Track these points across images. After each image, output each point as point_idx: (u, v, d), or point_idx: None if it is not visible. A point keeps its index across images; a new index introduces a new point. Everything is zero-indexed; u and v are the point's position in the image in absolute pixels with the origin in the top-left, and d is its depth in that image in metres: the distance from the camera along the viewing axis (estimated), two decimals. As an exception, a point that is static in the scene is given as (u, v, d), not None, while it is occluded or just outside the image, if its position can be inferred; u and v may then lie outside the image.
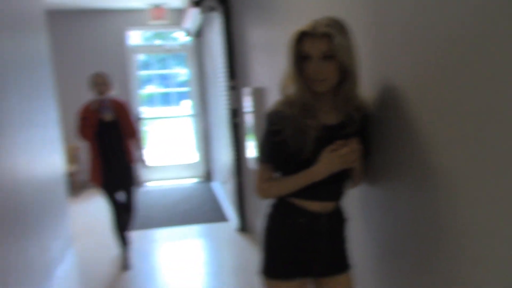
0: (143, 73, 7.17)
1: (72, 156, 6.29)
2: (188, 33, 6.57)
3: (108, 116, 3.50)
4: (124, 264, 3.69)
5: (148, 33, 7.32)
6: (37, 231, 3.17)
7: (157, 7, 6.14)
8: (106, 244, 4.12)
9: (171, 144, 8.70)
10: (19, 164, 2.91)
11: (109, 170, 3.56)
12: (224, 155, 5.18)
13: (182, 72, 7.77)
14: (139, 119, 3.74)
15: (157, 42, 7.85)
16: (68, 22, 6.48)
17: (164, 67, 8.92)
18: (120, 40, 6.73)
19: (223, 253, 4.08)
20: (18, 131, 2.92)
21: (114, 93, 3.62)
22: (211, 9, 4.45)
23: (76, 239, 4.38)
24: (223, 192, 5.58)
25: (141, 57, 7.10)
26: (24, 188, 2.98)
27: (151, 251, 4.12)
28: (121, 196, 3.72)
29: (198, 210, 5.35)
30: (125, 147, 3.61)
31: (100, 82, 3.49)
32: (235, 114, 4.20)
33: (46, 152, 3.70)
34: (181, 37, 7.40)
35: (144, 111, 6.92)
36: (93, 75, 3.55)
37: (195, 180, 7.09)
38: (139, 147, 3.74)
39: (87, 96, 3.67)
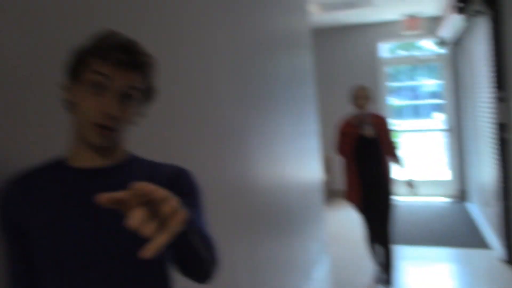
0: (392, 84, 7.11)
1: (327, 166, 6.69)
2: (442, 42, 6.20)
3: (368, 131, 3.29)
4: (380, 279, 3.63)
5: (395, 44, 7.23)
6: (299, 232, 3.46)
7: (411, 17, 6.01)
8: (358, 254, 4.21)
9: (422, 159, 8.32)
10: (287, 171, 3.23)
11: (366, 188, 3.39)
12: (485, 174, 4.67)
13: (432, 83, 7.36)
14: (392, 131, 3.54)
15: (403, 52, 7.68)
16: (325, 39, 6.95)
17: (412, 79, 8.65)
18: (371, 52, 6.85)
19: (484, 285, 3.65)
20: (286, 140, 3.24)
21: (373, 107, 3.57)
22: (476, 14, 4.09)
23: (330, 244, 4.62)
24: (483, 216, 5.03)
25: (390, 68, 7.07)
26: (291, 192, 3.30)
27: (399, 268, 4.01)
28: (377, 214, 3.47)
29: (450, 232, 4.95)
30: (383, 165, 3.39)
31: (361, 96, 3.32)
32: (503, 128, 3.73)
33: (308, 161, 4.01)
34: (429, 46, 7.04)
35: (396, 123, 6.84)
36: (354, 88, 3.40)
37: (447, 199, 6.60)
38: (397, 164, 3.48)
39: (342, 108, 3.81)
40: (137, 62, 0.95)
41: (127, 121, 0.97)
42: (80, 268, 0.93)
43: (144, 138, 1.55)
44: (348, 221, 5.38)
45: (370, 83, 6.54)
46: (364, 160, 3.37)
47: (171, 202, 0.67)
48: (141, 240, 0.96)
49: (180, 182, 1.04)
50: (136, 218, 0.64)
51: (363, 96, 3.32)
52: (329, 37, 6.94)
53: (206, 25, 2.07)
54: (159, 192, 0.66)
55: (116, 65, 0.93)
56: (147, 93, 1.02)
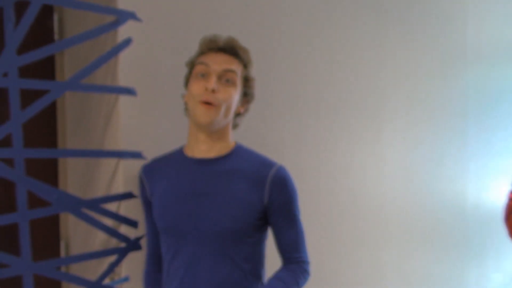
0: None
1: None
2: None
3: None
4: None
5: None
6: (476, 260, 3.23)
7: None
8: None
9: None
10: (469, 192, 3.05)
11: None
12: None
13: None
14: None
15: None
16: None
17: None
18: None
19: None
20: (470, 160, 3.04)
21: None
22: None
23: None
24: None
25: None
26: (471, 216, 3.08)
27: None
28: None
29: None
30: None
31: None
32: None
33: (498, 183, 3.42)
34: None
35: None
36: None
37: None
38: None
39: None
40: (229, 48, 1.18)
41: (227, 101, 1.15)
42: (178, 234, 1.18)
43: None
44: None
45: None
46: None
47: None
48: (230, 227, 1.15)
49: (283, 188, 1.20)
50: None
51: None
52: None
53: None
54: None
55: (212, 52, 1.17)
56: (245, 82, 1.22)
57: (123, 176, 1.38)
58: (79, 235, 1.64)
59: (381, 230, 2.27)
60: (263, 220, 1.21)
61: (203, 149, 1.19)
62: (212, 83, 1.11)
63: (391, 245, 2.33)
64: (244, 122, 1.33)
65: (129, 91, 1.31)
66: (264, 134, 1.72)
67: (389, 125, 2.28)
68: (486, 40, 3.15)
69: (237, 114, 1.23)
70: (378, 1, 2.17)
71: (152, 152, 1.42)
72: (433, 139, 2.61)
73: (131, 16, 1.31)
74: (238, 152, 1.23)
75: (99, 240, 1.52)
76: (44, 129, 1.65)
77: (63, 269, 1.69)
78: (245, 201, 1.16)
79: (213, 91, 1.11)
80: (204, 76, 1.14)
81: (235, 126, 1.25)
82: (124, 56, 1.37)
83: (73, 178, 1.66)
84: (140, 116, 1.41)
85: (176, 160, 1.24)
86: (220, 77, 1.14)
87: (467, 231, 3.05)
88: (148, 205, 1.28)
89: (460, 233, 2.95)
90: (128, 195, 1.35)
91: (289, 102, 1.83)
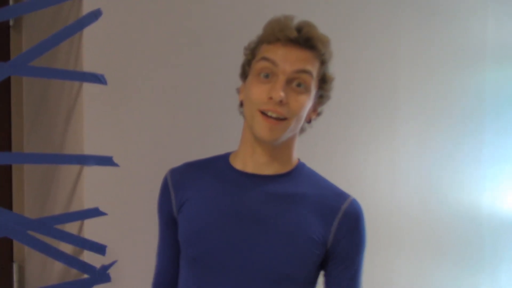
0: None
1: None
2: None
3: None
4: None
5: None
6: (490, 270, 3.17)
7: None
8: None
9: None
10: (484, 200, 2.98)
11: None
12: None
13: None
14: None
15: None
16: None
17: None
18: None
19: None
20: (486, 166, 2.98)
21: None
22: None
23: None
24: None
25: None
26: (485, 225, 3.03)
27: None
28: None
29: None
30: None
31: None
32: None
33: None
34: None
35: None
36: None
37: None
38: None
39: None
40: (305, 39, 0.86)
41: (298, 113, 0.87)
42: (212, 268, 0.88)
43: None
44: None
45: None
46: None
47: None
48: (283, 269, 0.87)
49: (355, 229, 0.92)
50: None
51: None
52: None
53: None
54: None
55: (282, 44, 0.86)
56: (321, 84, 0.92)
57: (86, 188, 1.10)
58: (35, 256, 1.36)
59: (393, 238, 2.17)
60: (319, 266, 0.93)
61: (260, 163, 0.92)
62: (280, 91, 0.83)
63: (403, 254, 2.23)
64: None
65: (98, 79, 1.03)
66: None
67: (403, 130, 2.15)
68: (507, 40, 3.06)
69: (308, 121, 0.95)
70: (394, 0, 2.04)
71: (123, 156, 1.14)
72: (449, 144, 2.51)
73: (99, -18, 1.03)
74: (301, 171, 0.97)
75: (59, 263, 1.24)
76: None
77: (15, 300, 1.40)
78: (307, 237, 0.88)
79: (281, 102, 0.84)
80: (269, 77, 0.87)
81: (301, 131, 0.97)
82: (90, 36, 1.10)
83: (31, 190, 1.37)
84: (108, 111, 1.14)
85: (218, 170, 0.96)
86: (290, 80, 0.86)
87: (482, 241, 3.01)
88: (169, 220, 0.99)
89: (474, 242, 2.91)
90: (93, 212, 1.07)
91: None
